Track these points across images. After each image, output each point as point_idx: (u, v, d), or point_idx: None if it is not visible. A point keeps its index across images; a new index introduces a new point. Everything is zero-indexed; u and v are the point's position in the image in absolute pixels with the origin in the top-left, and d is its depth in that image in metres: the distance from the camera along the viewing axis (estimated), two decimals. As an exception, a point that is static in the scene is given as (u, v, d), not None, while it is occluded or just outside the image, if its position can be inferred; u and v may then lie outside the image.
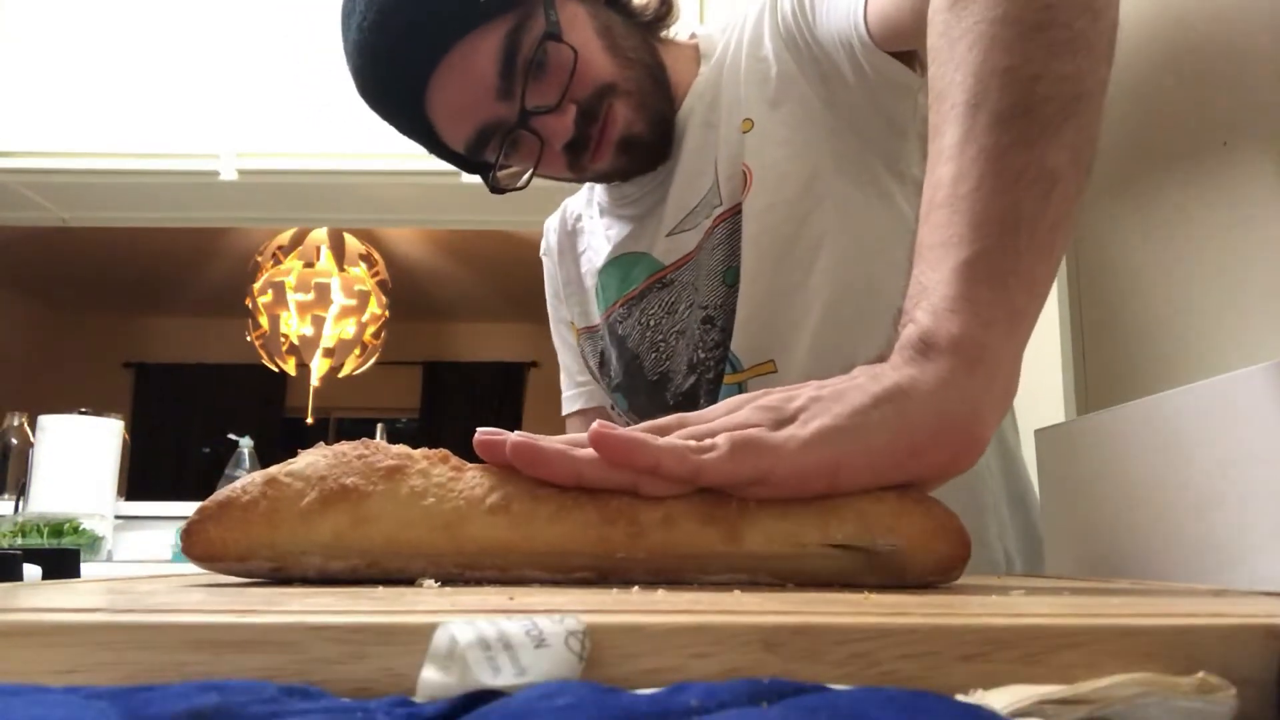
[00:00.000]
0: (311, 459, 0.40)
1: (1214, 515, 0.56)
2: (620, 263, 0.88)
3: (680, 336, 0.82)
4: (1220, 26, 0.71)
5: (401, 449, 0.41)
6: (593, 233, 0.94)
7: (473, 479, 0.40)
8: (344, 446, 0.41)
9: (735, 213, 0.78)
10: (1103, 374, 0.88)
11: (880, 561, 0.39)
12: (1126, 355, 0.84)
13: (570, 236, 0.98)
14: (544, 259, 1.03)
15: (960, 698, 0.20)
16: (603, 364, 0.92)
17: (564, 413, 1.03)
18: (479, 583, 0.38)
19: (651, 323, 0.84)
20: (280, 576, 0.39)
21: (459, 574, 0.39)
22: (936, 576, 0.40)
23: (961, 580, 0.45)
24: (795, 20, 0.77)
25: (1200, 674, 0.21)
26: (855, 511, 0.39)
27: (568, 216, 0.99)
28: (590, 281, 0.93)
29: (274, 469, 0.40)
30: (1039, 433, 0.82)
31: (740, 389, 0.78)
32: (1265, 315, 0.63)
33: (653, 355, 0.84)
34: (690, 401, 0.82)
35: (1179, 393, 0.62)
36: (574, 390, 1.01)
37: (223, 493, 0.40)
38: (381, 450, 0.40)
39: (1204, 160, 0.72)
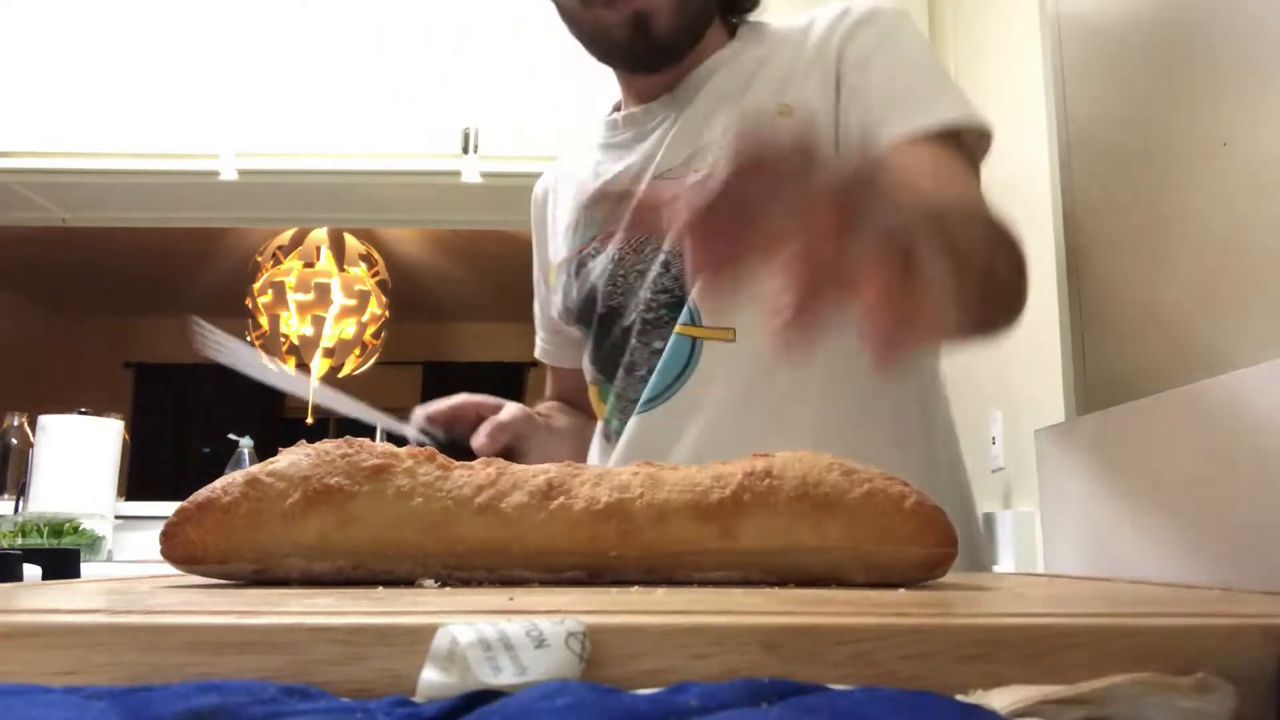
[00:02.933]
0: (294, 458, 0.39)
1: (1214, 515, 0.56)
2: (606, 200, 0.90)
3: (640, 276, 0.84)
4: (1221, 26, 0.71)
5: (386, 447, 0.40)
6: (584, 166, 0.95)
7: (460, 478, 0.39)
8: (327, 445, 0.40)
9: None
10: (1103, 374, 0.88)
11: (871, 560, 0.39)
12: (1126, 355, 0.84)
13: (556, 185, 1.01)
14: (533, 204, 1.05)
15: (960, 698, 0.20)
16: (565, 298, 0.94)
17: (538, 358, 1.08)
18: (474, 583, 0.38)
19: (617, 257, 0.86)
20: (263, 578, 0.39)
21: (447, 574, 0.38)
22: (923, 574, 0.40)
23: (959, 580, 0.45)
24: (848, 74, 0.81)
25: (1200, 674, 0.21)
26: (846, 510, 0.39)
27: (559, 166, 1.02)
28: (571, 217, 0.95)
29: (255, 468, 0.39)
30: (1039, 433, 0.82)
31: (693, 343, 0.81)
32: (1265, 315, 0.63)
33: (609, 288, 0.87)
34: (624, 339, 0.85)
35: (1179, 393, 0.62)
36: (545, 345, 1.07)
37: (202, 494, 0.39)
38: (366, 448, 0.40)
39: (1204, 160, 0.72)
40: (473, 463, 0.40)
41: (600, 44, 0.87)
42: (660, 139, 0.87)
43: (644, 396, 0.82)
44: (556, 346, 1.07)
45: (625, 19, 0.81)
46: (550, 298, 0.99)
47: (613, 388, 0.87)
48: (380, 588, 0.36)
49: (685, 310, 0.81)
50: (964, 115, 0.76)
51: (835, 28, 0.83)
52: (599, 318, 0.88)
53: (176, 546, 0.38)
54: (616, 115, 0.94)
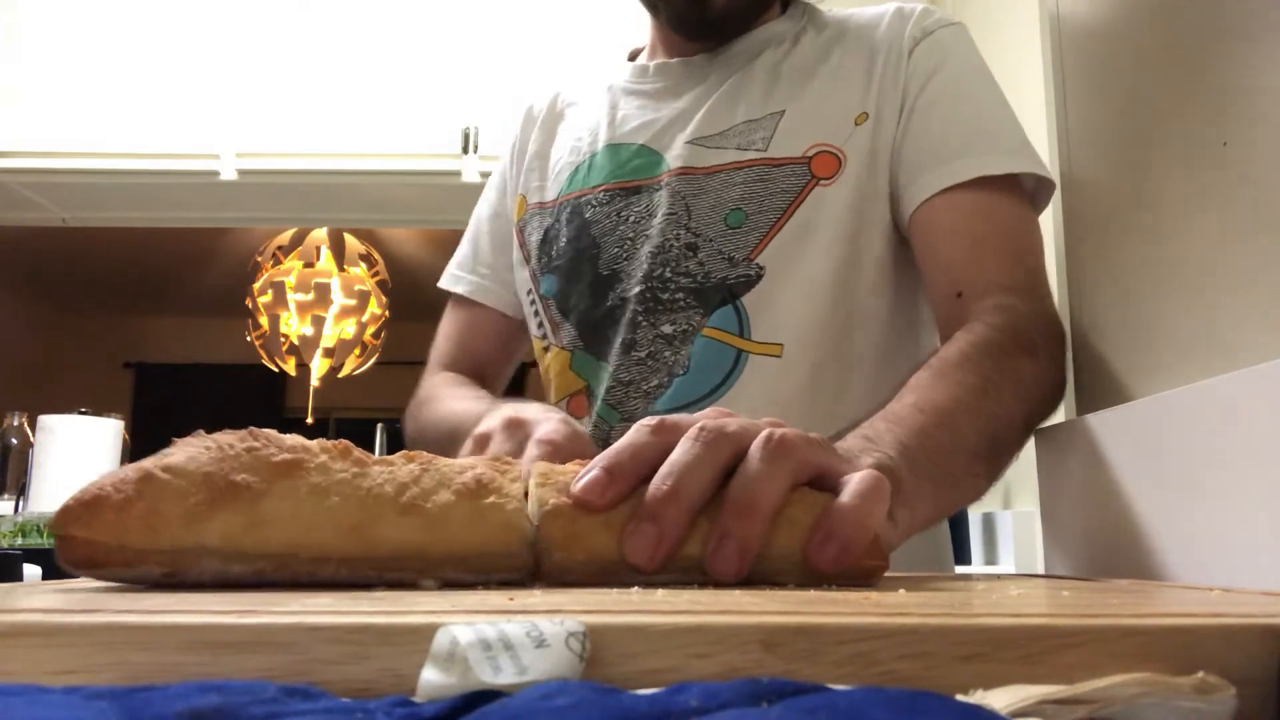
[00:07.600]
0: (192, 452, 0.36)
1: (1214, 515, 0.56)
2: (625, 150, 0.85)
3: (646, 242, 0.80)
4: (1220, 26, 0.71)
5: (296, 440, 0.37)
6: (598, 106, 0.91)
7: (380, 474, 0.36)
8: (229, 437, 0.36)
9: (774, 165, 0.78)
10: (1103, 374, 0.88)
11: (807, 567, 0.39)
12: (1126, 355, 0.84)
13: (554, 117, 0.96)
14: (512, 131, 0.99)
15: (960, 698, 0.20)
16: (544, 241, 0.88)
17: (450, 287, 0.97)
18: (466, 585, 0.37)
19: (630, 219, 0.82)
20: (175, 581, 0.35)
21: (375, 576, 0.35)
22: (855, 582, 0.40)
23: (958, 580, 0.45)
24: (906, 99, 0.80)
25: (1200, 674, 0.21)
26: (787, 520, 0.39)
27: (559, 99, 0.97)
28: (567, 157, 0.90)
29: (147, 462, 0.35)
30: (1039, 432, 0.82)
31: (738, 354, 0.77)
32: (1265, 315, 0.63)
33: (614, 250, 0.81)
34: (621, 311, 0.80)
35: (1179, 393, 0.62)
36: (474, 275, 0.96)
37: (89, 491, 0.34)
38: (273, 442, 0.36)
39: (1204, 160, 0.72)
40: (392, 457, 0.38)
41: (668, 6, 0.84)
42: (697, 100, 0.84)
43: (672, 396, 0.77)
44: (496, 282, 0.94)
45: None
46: (508, 229, 0.92)
47: (606, 365, 0.80)
48: (380, 588, 0.36)
49: (730, 314, 0.76)
50: (1023, 166, 0.76)
51: (899, 34, 0.82)
52: (597, 278, 0.82)
53: (74, 549, 0.34)
54: (646, 63, 0.90)
